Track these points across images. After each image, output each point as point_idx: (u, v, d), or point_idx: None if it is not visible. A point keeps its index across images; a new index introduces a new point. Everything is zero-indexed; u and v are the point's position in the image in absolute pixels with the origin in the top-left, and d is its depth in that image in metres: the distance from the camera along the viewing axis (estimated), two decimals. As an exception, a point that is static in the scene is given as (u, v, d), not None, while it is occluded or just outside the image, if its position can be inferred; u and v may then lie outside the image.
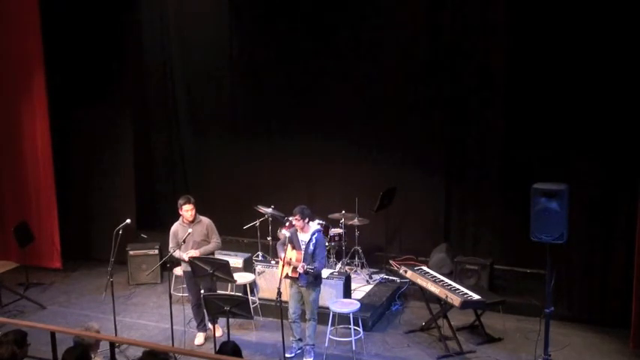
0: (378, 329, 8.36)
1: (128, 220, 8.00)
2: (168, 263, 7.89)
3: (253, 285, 8.66)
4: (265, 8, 10.43)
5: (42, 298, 9.47)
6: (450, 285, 7.81)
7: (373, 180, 9.92)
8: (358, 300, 8.31)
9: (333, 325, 7.75)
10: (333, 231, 9.41)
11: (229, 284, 8.46)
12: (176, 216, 7.96)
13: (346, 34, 10.02)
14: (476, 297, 7.60)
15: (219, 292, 7.96)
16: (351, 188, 9.84)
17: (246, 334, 8.20)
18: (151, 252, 9.93)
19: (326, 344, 7.63)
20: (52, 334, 5.92)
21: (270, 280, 8.53)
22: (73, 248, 10.67)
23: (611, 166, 7.88)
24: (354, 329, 7.66)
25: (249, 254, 9.55)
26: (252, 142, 10.88)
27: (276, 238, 8.79)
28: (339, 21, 9.98)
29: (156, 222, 11.18)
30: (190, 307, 8.04)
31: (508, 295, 8.54)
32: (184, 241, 7.64)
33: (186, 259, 7.64)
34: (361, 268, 9.54)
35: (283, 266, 7.36)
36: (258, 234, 9.52)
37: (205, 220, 7.90)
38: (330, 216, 9.45)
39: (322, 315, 7.71)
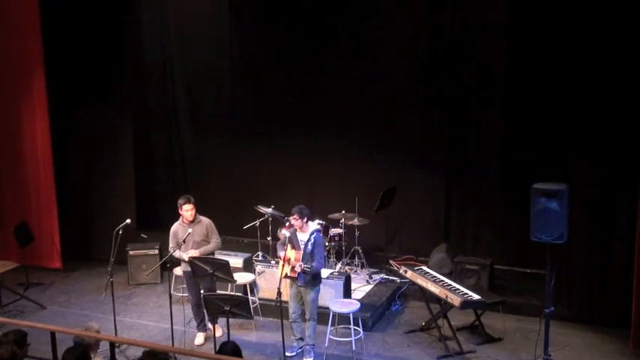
0: (378, 329, 8.36)
1: (128, 220, 8.00)
2: (168, 263, 7.89)
3: (253, 285, 8.66)
4: (265, 8, 10.43)
5: (42, 298, 9.47)
6: (450, 285, 7.81)
7: (373, 180, 9.92)
8: (358, 300, 8.31)
9: (333, 325, 7.75)
10: (333, 231, 9.41)
11: (229, 284, 8.46)
12: (176, 216, 7.96)
13: (346, 34, 10.02)
14: (476, 297, 7.60)
15: (219, 292, 7.96)
16: (351, 188, 9.84)
17: (246, 334, 8.20)
18: (151, 252, 9.93)
19: (326, 344, 7.63)
20: (52, 334, 5.92)
21: (270, 280, 8.53)
22: (73, 248, 10.67)
23: (611, 166, 7.88)
24: (354, 329, 7.66)
25: (249, 254, 9.56)
26: (252, 142, 10.88)
27: (276, 238, 8.79)
28: (339, 21, 9.98)
29: (156, 222, 11.18)
30: (190, 307, 8.04)
31: (508, 295, 8.54)
32: (184, 241, 7.64)
33: (186, 259, 7.64)
34: (361, 268, 9.54)
35: (283, 266, 7.37)
36: (258, 234, 9.52)
37: (205, 220, 7.90)
38: (330, 216, 9.46)
39: (322, 315, 7.71)
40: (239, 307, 6.76)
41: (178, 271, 8.42)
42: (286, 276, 7.37)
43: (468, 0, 9.37)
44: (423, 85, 9.77)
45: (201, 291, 7.76)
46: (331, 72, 10.10)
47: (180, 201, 7.79)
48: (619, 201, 7.89)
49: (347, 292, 8.48)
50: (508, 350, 7.74)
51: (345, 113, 10.08)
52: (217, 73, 11.05)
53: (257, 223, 9.48)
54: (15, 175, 10.62)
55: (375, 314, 8.49)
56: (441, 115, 9.78)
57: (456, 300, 7.44)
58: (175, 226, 7.89)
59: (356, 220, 9.35)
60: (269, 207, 9.41)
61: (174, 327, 7.68)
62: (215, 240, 7.89)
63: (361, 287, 9.12)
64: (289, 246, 7.42)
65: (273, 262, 8.89)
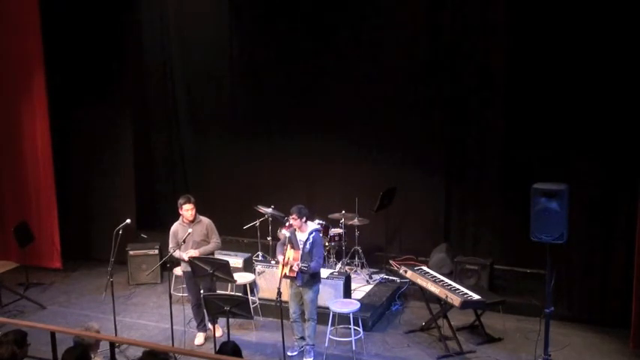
0: (378, 329, 8.36)
1: (128, 220, 8.00)
2: (168, 263, 7.89)
3: (253, 285, 8.66)
4: (265, 8, 10.43)
5: (42, 298, 9.47)
6: (450, 285, 7.81)
7: (373, 180, 9.92)
8: (358, 300, 8.31)
9: (333, 325, 7.75)
10: (333, 231, 9.41)
11: (229, 284, 8.46)
12: (176, 216, 7.96)
13: (346, 34, 10.02)
14: (476, 297, 7.60)
15: (219, 292, 7.95)
16: (351, 188, 9.84)
17: (246, 334, 8.20)
18: (151, 252, 9.93)
19: (326, 344, 7.63)
20: (52, 334, 5.92)
21: (270, 280, 8.53)
22: (73, 248, 10.67)
23: (611, 166, 7.87)
24: (354, 329, 7.66)
25: (249, 254, 9.56)
26: (252, 142, 10.88)
27: (276, 238, 8.80)
28: (339, 21, 9.98)
29: (156, 222, 11.18)
30: (190, 307, 8.04)
31: (508, 295, 8.54)
32: (184, 241, 7.64)
33: (186, 259, 7.64)
34: (361, 268, 9.54)
35: (283, 266, 7.37)
36: (258, 234, 9.52)
37: (205, 220, 7.90)
38: (330, 216, 9.46)
39: (322, 315, 7.71)
40: (239, 307, 6.75)
41: (178, 271, 8.42)
42: (285, 276, 7.37)
43: (467, 0, 9.37)
44: (423, 85, 9.77)
45: (201, 291, 7.76)
46: (331, 72, 10.10)
47: (181, 201, 7.79)
48: (619, 201, 7.89)
49: (347, 292, 8.48)
50: (508, 350, 7.74)
51: (345, 113, 10.08)
52: (217, 73, 11.05)
53: (257, 223, 9.48)
54: (15, 175, 10.62)
55: (375, 314, 8.49)
56: (441, 115, 9.78)
57: (456, 300, 7.44)
58: (175, 226, 7.89)
59: (356, 220, 9.35)
60: (269, 207, 9.42)
61: (174, 327, 7.68)
62: (215, 240, 7.88)
63: (361, 287, 9.12)
64: (289, 246, 7.43)
65: (273, 262, 8.89)
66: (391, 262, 9.53)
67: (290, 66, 10.32)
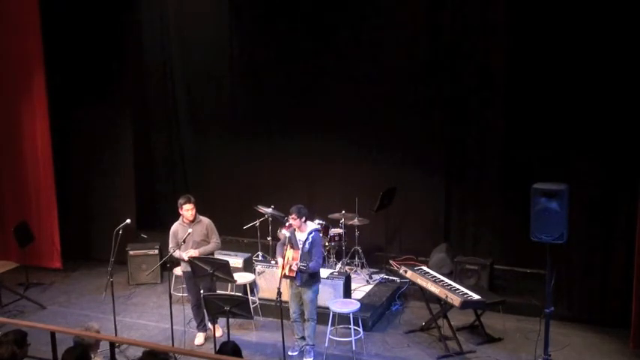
0: (378, 329, 8.36)
1: (128, 220, 8.00)
2: (168, 263, 7.89)
3: (253, 285, 8.66)
4: (265, 8, 10.43)
5: (42, 298, 9.47)
6: (450, 285, 7.81)
7: (373, 180, 9.92)
8: (358, 300, 8.31)
9: (333, 325, 7.75)
10: (333, 231, 9.41)
11: (229, 284, 8.46)
12: (176, 216, 7.96)
13: (346, 34, 10.02)
14: (476, 297, 7.60)
15: (219, 292, 7.95)
16: (351, 188, 9.84)
17: (246, 334, 8.20)
18: (151, 252, 9.93)
19: (326, 344, 7.63)
20: (52, 334, 5.92)
21: (270, 280, 8.53)
22: (73, 248, 10.67)
23: (611, 166, 7.87)
24: (354, 329, 7.66)
25: (249, 254, 9.56)
26: (252, 142, 10.88)
27: (276, 238, 8.80)
28: (339, 21, 9.98)
29: (156, 222, 11.18)
30: (190, 307, 8.04)
31: (508, 295, 8.54)
32: (184, 241, 7.64)
33: (186, 258, 7.64)
34: (361, 268, 9.54)
35: (283, 266, 7.37)
36: (258, 234, 9.52)
37: (205, 220, 7.90)
38: (330, 216, 9.46)
39: (322, 315, 7.71)
40: (239, 307, 6.75)
41: (178, 271, 8.42)
42: (285, 276, 7.38)
43: (467, 0, 9.37)
44: (423, 85, 9.77)
45: (201, 291, 7.76)
46: (331, 72, 10.10)
47: (181, 201, 7.79)
48: (619, 201, 7.89)
49: (347, 292, 8.48)
50: (508, 350, 7.74)
51: (345, 113, 10.08)
52: (217, 73, 11.05)
53: (257, 223, 9.48)
54: (15, 175, 10.62)
55: (375, 314, 8.49)
56: (441, 115, 9.78)
57: (456, 300, 7.44)
58: (175, 226, 7.89)
59: (356, 220, 9.35)
60: (269, 207, 9.42)
61: (174, 327, 7.68)
62: (215, 240, 7.88)
63: (361, 287, 9.12)
64: (289, 246, 7.43)
65: (273, 262, 8.89)
66: (391, 262, 9.53)
67: (290, 66, 10.32)
